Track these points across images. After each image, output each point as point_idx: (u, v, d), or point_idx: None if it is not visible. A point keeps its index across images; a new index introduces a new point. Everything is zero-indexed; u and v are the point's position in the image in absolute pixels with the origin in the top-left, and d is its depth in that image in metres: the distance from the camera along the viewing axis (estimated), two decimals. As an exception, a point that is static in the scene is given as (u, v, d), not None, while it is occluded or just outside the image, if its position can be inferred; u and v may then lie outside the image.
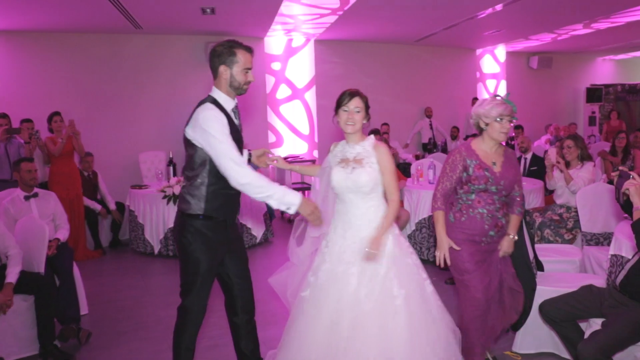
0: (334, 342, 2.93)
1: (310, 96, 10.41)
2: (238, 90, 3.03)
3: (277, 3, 7.18)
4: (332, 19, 8.44)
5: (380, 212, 3.17)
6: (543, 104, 13.81)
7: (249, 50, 3.04)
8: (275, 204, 2.90)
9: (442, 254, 3.27)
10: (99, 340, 4.33)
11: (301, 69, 10.31)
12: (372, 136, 3.27)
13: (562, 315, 3.16)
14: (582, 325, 3.27)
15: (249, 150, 3.38)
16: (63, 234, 4.87)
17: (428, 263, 5.89)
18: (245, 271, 3.26)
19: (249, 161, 3.34)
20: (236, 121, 3.07)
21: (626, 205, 2.88)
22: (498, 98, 3.30)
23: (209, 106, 2.93)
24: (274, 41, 10.05)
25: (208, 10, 7.32)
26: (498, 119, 3.23)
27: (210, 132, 2.84)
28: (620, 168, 2.87)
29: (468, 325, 3.29)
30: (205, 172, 2.98)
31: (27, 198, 4.95)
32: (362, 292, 2.99)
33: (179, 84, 9.26)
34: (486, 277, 3.31)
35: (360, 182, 3.11)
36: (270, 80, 10.15)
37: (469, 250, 3.30)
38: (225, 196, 3.03)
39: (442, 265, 3.26)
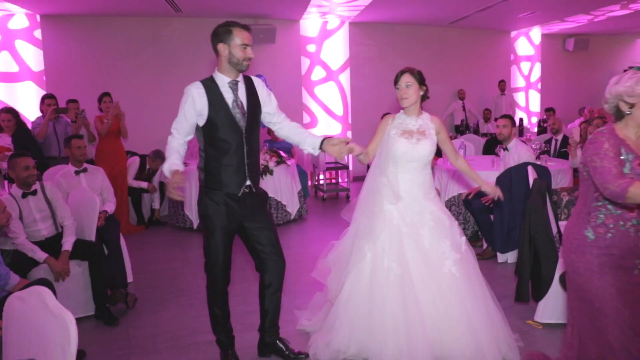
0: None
1: (345, 78, 10.60)
2: (237, 66, 3.21)
3: (313, -14, 7.38)
4: (367, 1, 8.59)
5: (429, 181, 3.52)
6: (579, 87, 13.70)
7: (246, 28, 3.20)
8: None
9: None
10: (144, 306, 4.64)
11: (336, 51, 10.49)
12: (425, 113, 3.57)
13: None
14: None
15: (323, 136, 3.45)
16: (110, 207, 5.21)
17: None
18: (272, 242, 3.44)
19: (321, 148, 3.38)
20: (229, 95, 3.22)
21: None
22: None
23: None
24: (310, 24, 10.24)
25: (246, -6, 7.55)
26: None
27: None
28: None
29: None
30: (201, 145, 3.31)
31: (77, 173, 5.28)
32: (445, 244, 3.35)
33: (215, 66, 9.52)
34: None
35: (425, 152, 3.44)
36: (305, 62, 10.35)
37: (615, 282, 2.47)
38: (220, 168, 3.25)
39: None
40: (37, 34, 8.71)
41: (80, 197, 4.57)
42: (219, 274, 3.36)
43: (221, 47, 3.19)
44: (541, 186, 3.94)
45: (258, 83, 3.40)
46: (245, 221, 3.36)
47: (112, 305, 4.48)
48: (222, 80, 3.23)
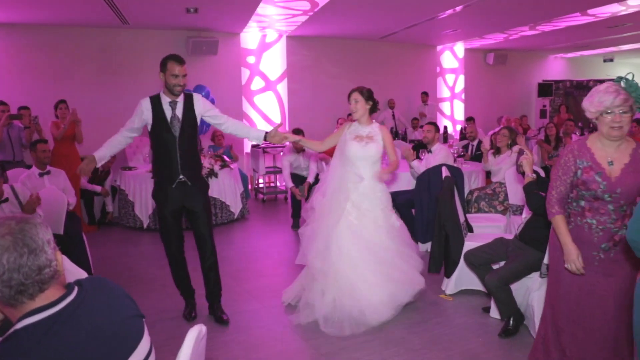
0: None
1: (282, 87, 11.29)
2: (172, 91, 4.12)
3: (255, 4, 8.01)
4: (303, 18, 9.30)
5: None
6: (498, 97, 14.91)
7: (178, 61, 4.11)
8: None
9: (573, 265, 2.80)
10: (108, 292, 5.14)
11: (274, 62, 11.17)
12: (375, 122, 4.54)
13: (479, 260, 4.13)
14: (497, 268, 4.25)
15: (264, 131, 4.38)
16: (72, 199, 5.75)
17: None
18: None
19: (265, 139, 4.33)
20: (168, 112, 4.10)
21: (524, 175, 3.84)
22: (619, 84, 2.76)
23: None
24: (249, 37, 10.87)
25: (192, 9, 8.11)
26: (608, 111, 2.70)
27: None
28: (519, 147, 3.82)
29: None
30: None
31: (41, 175, 5.74)
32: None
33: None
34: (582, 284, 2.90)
35: (372, 152, 4.36)
36: (245, 73, 10.98)
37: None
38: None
39: (581, 272, 2.82)
40: (-16, 42, 8.96)
41: (50, 195, 5.05)
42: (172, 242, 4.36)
43: (160, 75, 4.14)
44: (450, 182, 4.75)
45: (197, 99, 4.27)
46: (186, 204, 4.25)
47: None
48: (165, 100, 4.15)
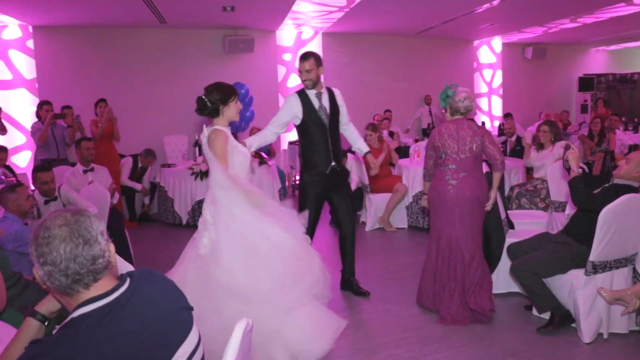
0: None
1: (319, 85, 11.29)
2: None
3: (291, 1, 8.04)
4: (340, 14, 9.28)
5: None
6: (537, 92, 14.63)
7: (301, 59, 4.49)
8: None
9: None
10: (149, 287, 5.25)
11: (310, 59, 11.17)
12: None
13: (523, 252, 4.05)
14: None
15: (368, 150, 4.82)
16: (116, 196, 5.88)
17: (423, 230, 6.84)
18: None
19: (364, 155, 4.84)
20: (315, 103, 4.46)
21: (569, 171, 3.77)
22: None
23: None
24: (285, 34, 10.92)
25: (229, 8, 8.19)
26: None
27: None
28: (567, 142, 3.75)
29: None
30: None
31: (85, 172, 5.88)
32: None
33: (199, 73, 10.11)
34: None
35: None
36: (281, 70, 11.02)
37: None
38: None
39: None
40: (30, 43, 9.18)
41: (93, 192, 5.16)
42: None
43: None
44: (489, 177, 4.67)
45: (337, 93, 4.67)
46: (332, 191, 4.58)
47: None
48: (310, 92, 4.51)
